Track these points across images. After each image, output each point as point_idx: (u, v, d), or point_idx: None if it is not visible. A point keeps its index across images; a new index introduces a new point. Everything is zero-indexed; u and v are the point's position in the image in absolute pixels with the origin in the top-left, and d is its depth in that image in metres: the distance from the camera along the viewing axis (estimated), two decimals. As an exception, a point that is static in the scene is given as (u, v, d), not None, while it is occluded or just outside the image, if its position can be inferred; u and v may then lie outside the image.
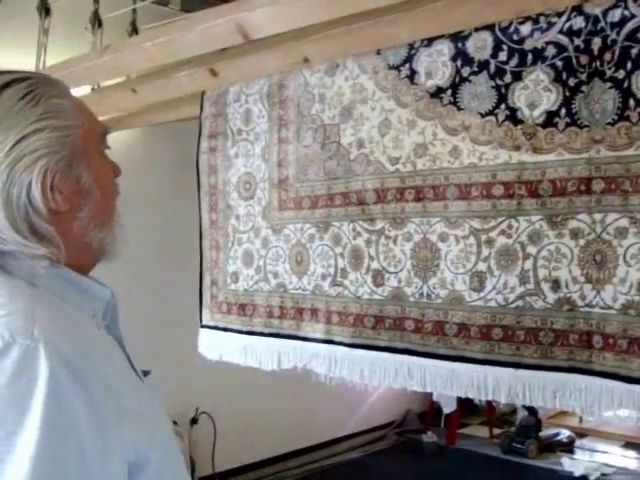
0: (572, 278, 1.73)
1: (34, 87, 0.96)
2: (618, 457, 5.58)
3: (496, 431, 6.07)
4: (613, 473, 5.16)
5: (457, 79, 1.94)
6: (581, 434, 6.00)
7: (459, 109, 1.94)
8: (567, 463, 5.33)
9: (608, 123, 1.66)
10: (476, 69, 1.89)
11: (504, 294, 1.86)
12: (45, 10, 3.15)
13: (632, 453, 5.63)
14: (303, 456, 5.14)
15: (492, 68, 1.86)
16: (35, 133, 0.93)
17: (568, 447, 5.71)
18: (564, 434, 5.80)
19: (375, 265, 2.14)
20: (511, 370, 1.84)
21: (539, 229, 1.79)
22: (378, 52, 2.12)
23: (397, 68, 2.07)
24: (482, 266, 1.90)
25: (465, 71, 1.92)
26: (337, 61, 2.22)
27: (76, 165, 0.98)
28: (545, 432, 5.72)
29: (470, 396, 1.93)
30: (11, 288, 0.91)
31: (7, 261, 0.93)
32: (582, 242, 1.71)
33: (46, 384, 0.79)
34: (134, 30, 3.60)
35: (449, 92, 1.96)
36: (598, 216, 1.68)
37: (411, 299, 2.05)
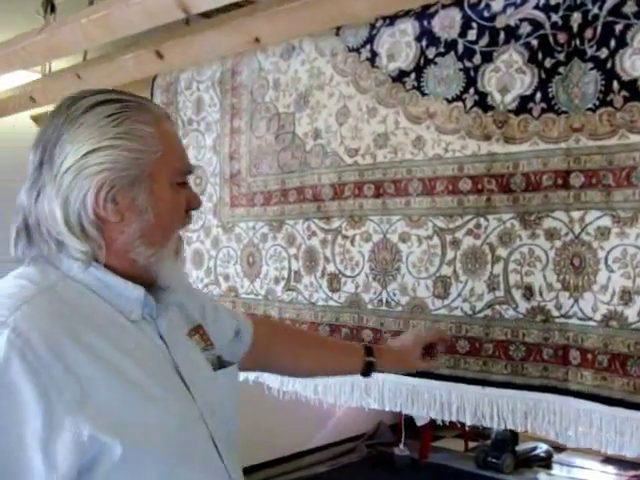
0: (547, 285, 1.56)
1: (123, 110, 1.07)
2: (597, 473, 5.42)
3: (472, 444, 5.89)
4: (591, 490, 5.02)
5: (422, 61, 1.75)
6: (559, 448, 5.81)
7: (423, 94, 1.75)
8: (544, 479, 5.17)
9: (589, 109, 1.48)
10: (442, 50, 1.71)
11: (471, 302, 1.68)
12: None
13: (611, 469, 5.47)
14: (265, 470, 4.89)
15: (460, 48, 1.68)
16: (107, 148, 1.05)
17: (545, 462, 5.53)
18: (541, 448, 5.61)
19: (331, 268, 1.95)
20: (478, 388, 1.67)
21: (510, 229, 1.61)
22: (337, 33, 1.92)
23: (357, 50, 1.88)
24: (447, 270, 1.72)
25: (430, 52, 1.73)
26: (293, 43, 2.03)
27: (138, 185, 1.08)
28: (522, 446, 5.54)
29: (433, 416, 1.74)
30: (34, 278, 1.05)
31: (58, 256, 1.07)
32: (558, 244, 1.54)
33: None
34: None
35: (413, 76, 1.76)
36: (577, 214, 1.50)
37: (369, 306, 1.87)
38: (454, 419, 1.72)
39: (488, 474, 5.24)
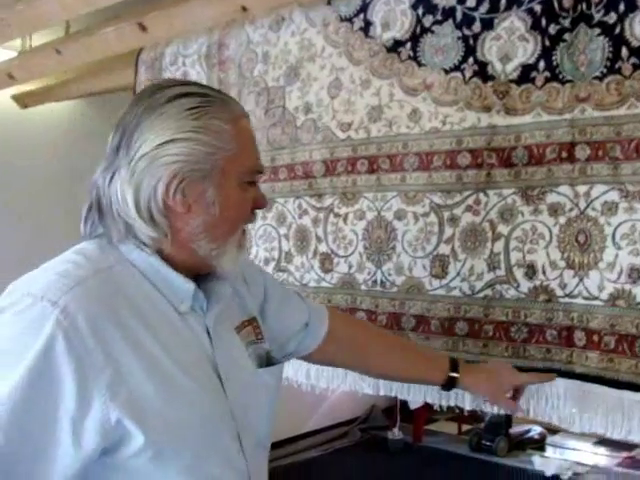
0: (550, 263, 1.50)
1: (204, 104, 1.10)
2: (590, 455, 5.39)
3: (465, 427, 5.85)
4: (585, 472, 4.96)
5: (418, 30, 1.67)
6: (553, 430, 5.79)
7: (420, 65, 1.68)
8: (538, 462, 5.12)
9: (595, 77, 1.42)
10: (440, 18, 1.64)
11: (470, 281, 1.62)
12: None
13: (604, 450, 5.44)
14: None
15: (459, 16, 1.61)
16: (183, 141, 1.07)
17: (539, 444, 5.49)
18: (535, 430, 5.58)
19: (323, 248, 1.88)
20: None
21: (512, 205, 1.55)
22: (329, 2, 1.85)
23: (350, 20, 1.81)
24: (445, 249, 1.66)
25: (427, 20, 1.66)
26: (283, 14, 1.94)
27: (209, 180, 1.10)
28: (515, 429, 5.50)
29: (430, 401, 1.67)
30: (92, 256, 1.08)
31: (124, 239, 1.10)
32: (563, 220, 1.47)
33: (43, 344, 0.95)
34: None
35: (408, 45, 1.70)
36: (582, 188, 1.44)
37: (363, 287, 1.80)
38: (452, 404, 1.65)
39: (482, 457, 5.19)
